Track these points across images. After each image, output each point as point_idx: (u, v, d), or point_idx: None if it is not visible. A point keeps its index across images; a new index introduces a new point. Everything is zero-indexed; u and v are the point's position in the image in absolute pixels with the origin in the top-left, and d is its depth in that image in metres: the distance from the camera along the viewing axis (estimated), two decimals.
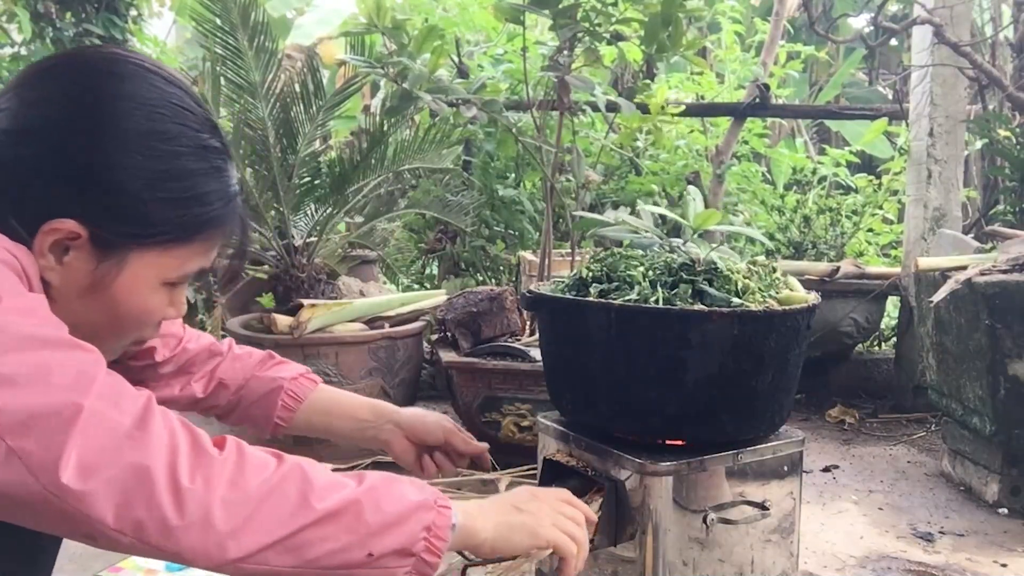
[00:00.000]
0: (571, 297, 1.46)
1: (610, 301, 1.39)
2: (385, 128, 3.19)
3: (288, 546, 0.77)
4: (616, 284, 1.44)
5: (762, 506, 1.43)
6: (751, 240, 4.49)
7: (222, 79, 3.09)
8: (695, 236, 1.59)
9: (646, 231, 1.59)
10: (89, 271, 0.87)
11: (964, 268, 2.61)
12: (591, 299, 1.42)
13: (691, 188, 1.79)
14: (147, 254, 0.89)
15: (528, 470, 2.59)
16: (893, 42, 6.68)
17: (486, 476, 2.69)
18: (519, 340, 3.00)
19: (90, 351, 0.78)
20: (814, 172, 4.98)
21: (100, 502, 0.71)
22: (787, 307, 1.41)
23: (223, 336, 3.48)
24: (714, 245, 1.53)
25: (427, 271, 4.70)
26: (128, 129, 0.86)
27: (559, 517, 1.01)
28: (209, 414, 1.32)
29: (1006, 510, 2.57)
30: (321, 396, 1.31)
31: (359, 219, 3.60)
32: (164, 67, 0.94)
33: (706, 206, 1.69)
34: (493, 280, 4.37)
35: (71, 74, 0.89)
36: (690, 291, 1.39)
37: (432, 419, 1.36)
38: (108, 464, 0.71)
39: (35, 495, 0.70)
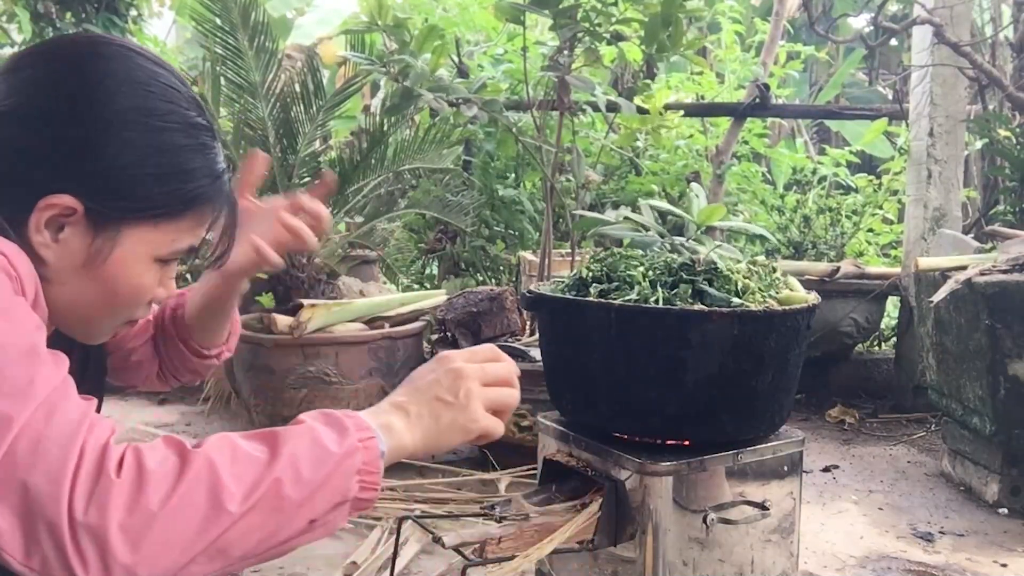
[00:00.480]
0: (571, 297, 1.46)
1: (610, 301, 1.39)
2: (385, 128, 3.19)
3: (211, 553, 0.74)
4: (616, 284, 1.44)
5: (762, 506, 1.44)
6: (751, 240, 4.48)
7: (222, 79, 3.09)
8: (699, 232, 1.59)
9: (647, 228, 1.59)
10: (84, 247, 0.88)
11: (964, 268, 2.61)
12: (591, 299, 1.42)
13: (694, 185, 1.79)
14: (139, 229, 0.89)
15: (528, 470, 2.59)
16: (893, 42, 6.68)
17: (486, 476, 2.69)
18: (519, 340, 3.00)
19: (55, 360, 0.76)
20: (814, 172, 4.98)
21: (12, 534, 0.68)
22: (787, 307, 1.41)
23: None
24: (717, 243, 1.53)
25: (427, 271, 4.70)
26: (119, 106, 0.88)
27: (488, 392, 0.93)
28: (168, 382, 1.31)
29: (1006, 510, 2.57)
30: (193, 286, 1.26)
31: (359, 219, 3.60)
32: (149, 50, 0.96)
33: None
34: (493, 280, 4.37)
35: (60, 57, 0.91)
36: (690, 291, 1.39)
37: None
38: (20, 492, 0.68)
39: None
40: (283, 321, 2.83)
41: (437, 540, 1.22)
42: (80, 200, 0.85)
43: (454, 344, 3.03)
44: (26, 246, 0.84)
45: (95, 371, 1.11)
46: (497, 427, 0.92)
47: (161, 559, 0.71)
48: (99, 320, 0.95)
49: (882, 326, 4.14)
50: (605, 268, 1.48)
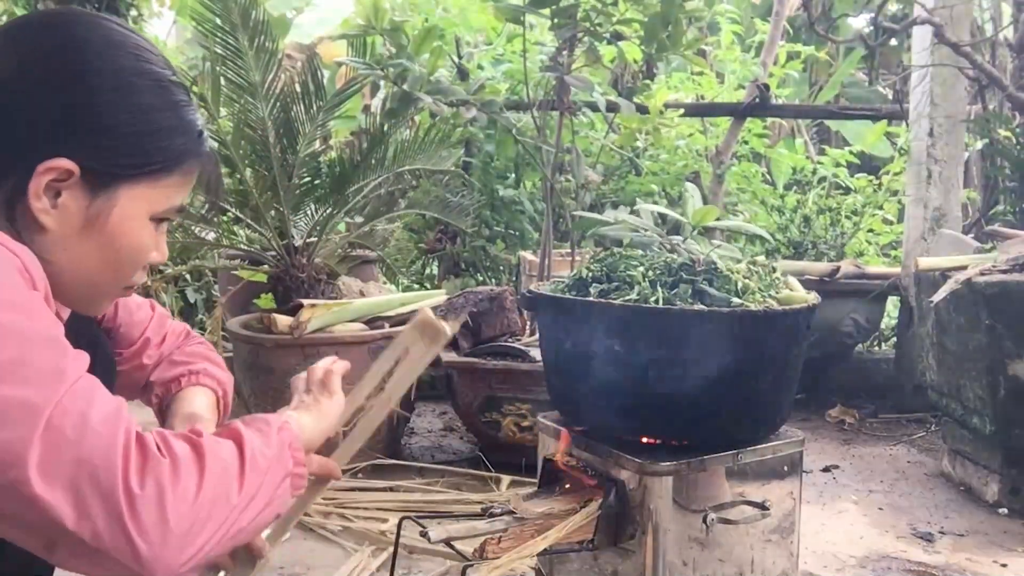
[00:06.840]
0: (571, 297, 1.46)
1: (610, 301, 1.39)
2: (385, 128, 3.19)
3: (224, 535, 0.83)
4: (616, 284, 1.44)
5: (762, 506, 1.44)
6: (751, 240, 4.48)
7: (222, 79, 3.09)
8: (694, 233, 1.59)
9: (646, 229, 1.59)
10: (83, 209, 0.91)
11: (964, 268, 2.61)
12: (591, 299, 1.42)
13: (689, 185, 1.79)
14: (136, 187, 0.94)
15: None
16: (893, 42, 6.67)
17: (486, 476, 2.69)
18: (519, 340, 2.99)
19: (74, 354, 0.80)
20: (814, 172, 4.98)
21: (61, 504, 0.73)
22: (787, 307, 1.41)
23: (224, 337, 3.47)
24: (715, 243, 1.53)
25: (427, 271, 4.70)
26: (102, 68, 0.92)
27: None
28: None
29: (1006, 510, 2.57)
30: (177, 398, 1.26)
31: (359, 219, 3.60)
32: (114, 17, 1.01)
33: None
34: (493, 280, 4.37)
35: (41, 27, 0.95)
36: (690, 291, 1.39)
37: None
38: (70, 466, 0.73)
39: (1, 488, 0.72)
40: (283, 321, 2.83)
41: (423, 534, 1.24)
42: (76, 162, 0.88)
43: (454, 344, 3.03)
44: (27, 219, 0.88)
45: (103, 373, 1.12)
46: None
47: (197, 536, 0.79)
48: (100, 284, 0.98)
49: (882, 326, 4.14)
50: (605, 268, 1.48)
